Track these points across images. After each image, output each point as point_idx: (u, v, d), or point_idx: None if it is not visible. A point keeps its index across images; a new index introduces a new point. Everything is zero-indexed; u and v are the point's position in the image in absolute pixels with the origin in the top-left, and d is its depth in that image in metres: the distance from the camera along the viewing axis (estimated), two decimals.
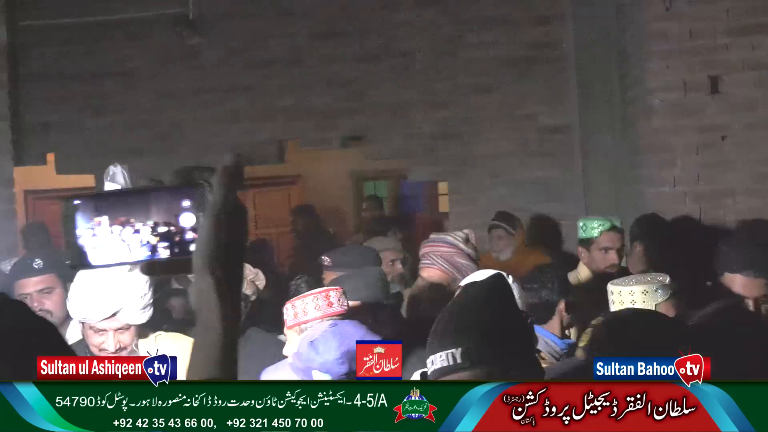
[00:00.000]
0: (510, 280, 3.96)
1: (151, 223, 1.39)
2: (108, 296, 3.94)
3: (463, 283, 3.99)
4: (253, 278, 4.74)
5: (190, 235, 1.39)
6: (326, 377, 3.29)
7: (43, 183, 10.48)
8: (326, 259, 5.46)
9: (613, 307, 4.21)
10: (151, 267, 1.42)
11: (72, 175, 8.96)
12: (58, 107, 8.66)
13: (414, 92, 8.41)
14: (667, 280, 4.22)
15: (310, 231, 9.19)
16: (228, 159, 1.42)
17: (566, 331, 4.88)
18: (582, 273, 5.88)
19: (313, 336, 3.49)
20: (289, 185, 12.14)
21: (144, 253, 1.39)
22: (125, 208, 1.38)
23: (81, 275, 4.00)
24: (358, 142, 8.85)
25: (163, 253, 1.40)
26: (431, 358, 2.45)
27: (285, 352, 4.00)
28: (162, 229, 1.39)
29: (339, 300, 3.97)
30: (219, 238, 1.38)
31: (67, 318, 4.86)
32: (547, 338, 4.99)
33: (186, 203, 1.40)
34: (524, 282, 5.19)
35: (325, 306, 3.90)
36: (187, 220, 1.39)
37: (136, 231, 1.39)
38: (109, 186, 4.46)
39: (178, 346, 4.30)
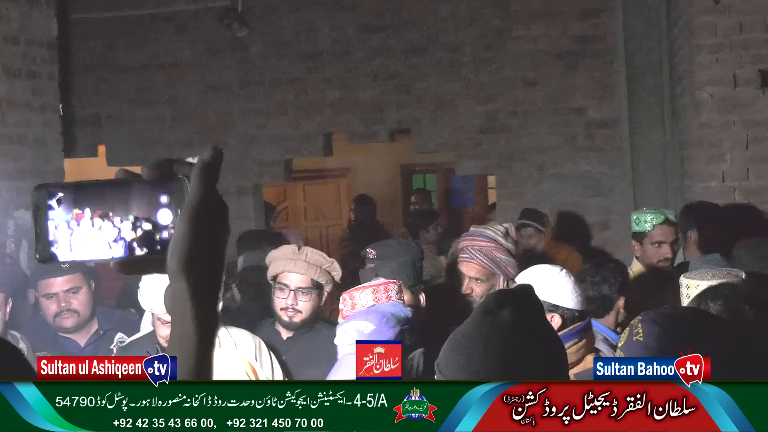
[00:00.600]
0: (563, 273, 3.95)
1: (131, 218, 1.29)
2: None
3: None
4: (329, 267, 4.72)
5: (167, 234, 1.29)
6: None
7: (97, 175, 10.61)
8: (371, 252, 5.42)
9: (686, 302, 4.09)
10: (124, 265, 1.32)
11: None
12: (108, 99, 8.77)
13: (461, 85, 8.38)
14: (743, 275, 4.18)
15: (367, 222, 9.14)
16: (207, 153, 1.29)
17: (617, 328, 4.86)
18: (634, 267, 5.77)
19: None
20: (339, 178, 12.17)
21: (118, 251, 1.30)
22: (103, 202, 1.28)
23: None
24: (404, 136, 8.84)
25: (139, 251, 1.30)
26: None
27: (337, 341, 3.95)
28: (140, 225, 1.29)
29: (397, 293, 3.99)
30: (196, 237, 1.27)
31: (93, 316, 4.99)
32: (605, 333, 4.99)
33: (164, 199, 1.30)
34: (585, 275, 5.17)
35: (383, 298, 3.91)
36: (165, 216, 1.30)
37: (115, 226, 1.29)
38: None
39: (246, 338, 4.44)
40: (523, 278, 3.95)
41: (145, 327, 4.70)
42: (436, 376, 2.44)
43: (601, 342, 4.87)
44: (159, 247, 1.30)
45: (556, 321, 3.76)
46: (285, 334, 4.73)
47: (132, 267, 1.33)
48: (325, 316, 5.18)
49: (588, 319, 3.90)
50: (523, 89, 8.30)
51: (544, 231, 7.06)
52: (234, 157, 8.64)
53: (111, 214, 1.28)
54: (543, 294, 3.72)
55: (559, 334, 3.70)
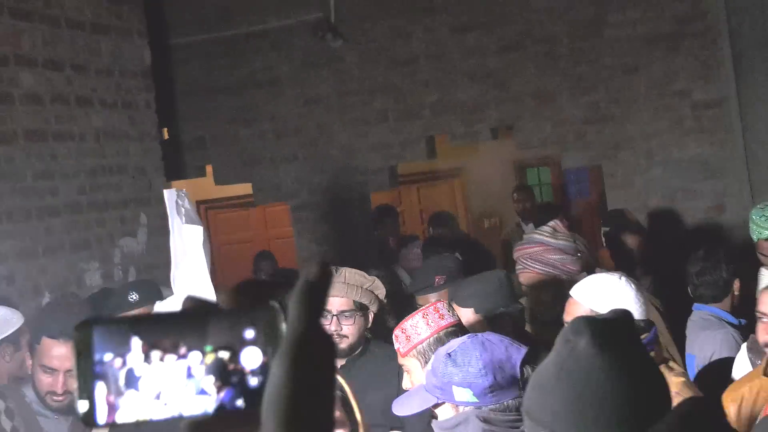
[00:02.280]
0: (624, 281, 3.71)
1: (205, 361, 0.94)
2: None
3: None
4: (371, 286, 4.52)
5: (256, 381, 0.94)
6: (467, 392, 2.99)
7: (205, 194, 10.86)
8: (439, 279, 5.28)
9: None
10: (197, 428, 0.97)
11: (231, 185, 9.24)
12: (211, 121, 8.90)
13: (559, 78, 8.21)
14: None
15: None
16: (312, 270, 0.96)
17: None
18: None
19: (450, 348, 3.19)
20: (452, 178, 12.11)
21: (191, 406, 0.94)
22: (169, 339, 0.94)
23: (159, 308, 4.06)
24: (507, 133, 8.72)
25: (217, 405, 0.95)
26: None
27: (405, 384, 3.79)
28: (219, 370, 0.94)
29: (449, 310, 3.81)
30: (299, 386, 0.92)
31: None
32: (724, 317, 4.94)
33: (250, 333, 0.95)
34: (698, 261, 5.05)
35: (436, 319, 3.71)
36: (252, 357, 0.95)
37: (189, 376, 0.94)
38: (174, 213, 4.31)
39: None
40: (578, 290, 3.80)
41: None
42: (524, 423, 2.23)
43: (717, 327, 4.71)
44: (244, 401, 0.95)
45: None
46: (338, 362, 4.58)
47: (208, 428, 0.97)
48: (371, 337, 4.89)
49: (654, 329, 3.64)
50: (624, 76, 8.07)
51: (637, 232, 6.65)
52: (337, 168, 8.68)
53: (178, 356, 0.94)
54: (603, 307, 3.50)
55: None
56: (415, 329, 3.70)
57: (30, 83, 6.26)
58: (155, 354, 0.93)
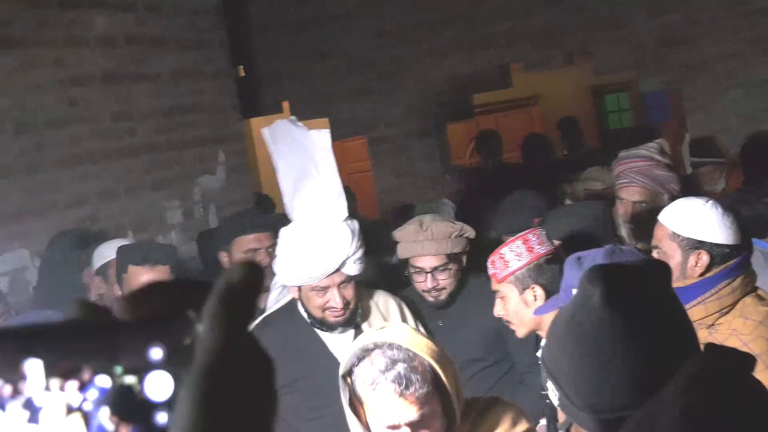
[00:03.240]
0: (709, 204, 3.52)
1: (97, 389, 0.68)
2: (331, 250, 3.86)
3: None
4: (459, 233, 4.38)
5: (162, 417, 0.70)
6: None
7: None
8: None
9: None
10: None
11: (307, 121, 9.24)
12: (286, 56, 8.92)
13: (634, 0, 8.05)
14: None
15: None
16: (236, 271, 0.73)
17: None
18: None
19: (582, 253, 3.22)
20: (530, 106, 12.02)
21: None
22: (61, 359, 0.68)
23: (285, 237, 3.97)
24: (583, 58, 8.61)
25: None
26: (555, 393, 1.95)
27: (497, 312, 3.78)
28: (116, 399, 0.69)
29: (547, 239, 3.80)
30: (215, 424, 0.69)
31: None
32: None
33: (157, 353, 0.69)
34: (738, 196, 4.93)
35: (536, 245, 3.70)
36: (159, 385, 0.70)
37: (73, 408, 0.68)
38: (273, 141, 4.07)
39: (391, 303, 4.25)
40: (664, 213, 3.68)
41: (271, 305, 4.44)
42: (542, 374, 2.11)
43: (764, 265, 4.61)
44: None
45: (703, 259, 3.43)
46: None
47: None
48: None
49: (744, 255, 3.47)
50: None
51: (723, 161, 6.50)
52: (413, 101, 8.67)
53: (64, 384, 0.68)
54: (687, 230, 3.49)
55: (708, 274, 3.42)
56: (514, 255, 3.68)
57: (103, 25, 6.35)
58: (54, 381, 0.68)
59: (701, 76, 7.98)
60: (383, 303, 4.18)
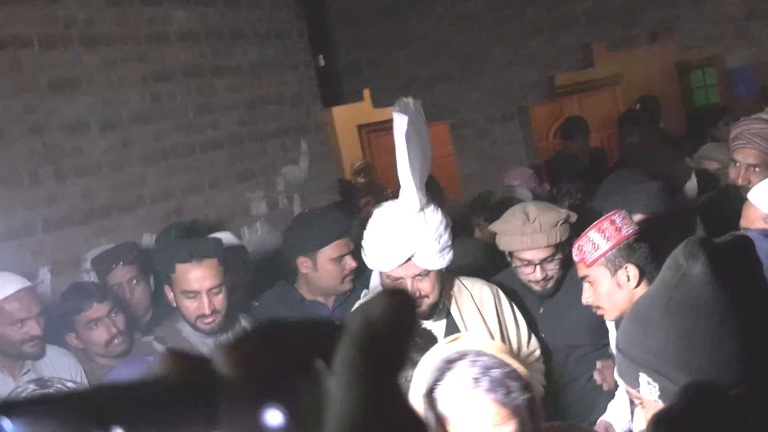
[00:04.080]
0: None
1: None
2: (400, 240, 3.75)
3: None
4: (564, 221, 4.26)
5: None
6: None
7: (368, 117, 10.98)
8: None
9: None
10: None
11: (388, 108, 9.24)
12: (366, 44, 8.91)
13: None
14: None
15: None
16: (379, 304, 0.55)
17: None
18: None
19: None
20: (613, 85, 11.85)
21: None
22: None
23: (375, 221, 3.84)
24: (667, 35, 8.45)
25: None
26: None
27: (585, 299, 3.71)
28: None
29: (630, 218, 3.77)
30: None
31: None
32: None
33: (274, 418, 0.52)
34: None
35: (625, 225, 3.66)
36: None
37: None
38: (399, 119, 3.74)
39: (484, 290, 4.11)
40: (757, 191, 3.62)
41: (375, 285, 4.43)
42: (616, 361, 1.97)
43: None
44: None
45: None
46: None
47: None
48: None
49: None
50: None
51: None
52: (494, 84, 8.60)
53: None
54: None
55: None
56: (602, 237, 3.62)
57: (183, 20, 6.41)
58: None
59: None
60: (478, 291, 4.08)
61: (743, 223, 3.57)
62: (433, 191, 7.88)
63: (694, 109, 12.03)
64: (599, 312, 3.71)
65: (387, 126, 11.62)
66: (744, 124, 4.72)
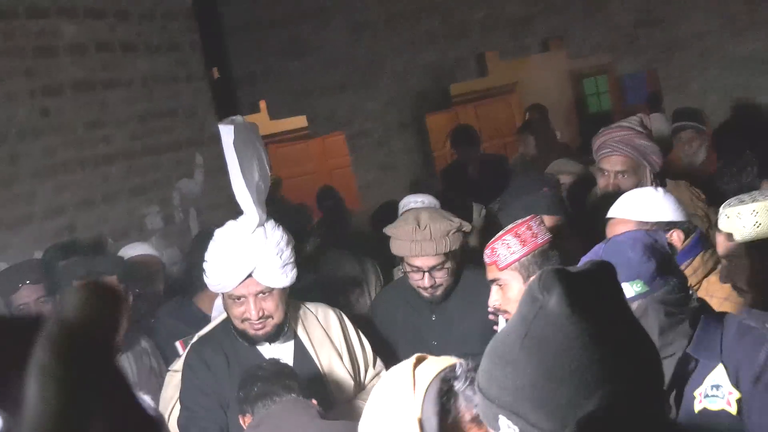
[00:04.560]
0: (661, 190, 3.69)
1: None
2: (239, 256, 3.64)
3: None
4: (456, 230, 4.25)
5: None
6: (638, 284, 2.67)
7: (265, 129, 10.91)
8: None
9: None
10: None
11: (286, 119, 9.23)
12: (261, 55, 8.88)
13: None
14: None
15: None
16: (75, 299, 0.52)
17: None
18: None
19: (595, 254, 2.88)
20: (508, 94, 12.00)
21: None
22: None
23: (214, 241, 3.73)
24: (557, 44, 8.59)
25: None
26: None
27: (492, 302, 3.65)
28: None
29: (539, 225, 3.71)
30: None
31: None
32: None
33: None
34: (722, 169, 4.95)
35: (541, 232, 3.64)
36: None
37: None
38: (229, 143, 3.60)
39: (329, 314, 4.07)
40: (619, 206, 3.71)
41: (218, 314, 4.23)
42: (476, 397, 1.82)
43: None
44: None
45: (676, 237, 3.51)
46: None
47: None
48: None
49: (698, 229, 3.66)
50: None
51: (704, 130, 6.54)
52: (390, 94, 8.64)
53: None
54: (652, 214, 3.56)
55: (683, 249, 3.51)
56: (518, 241, 3.59)
57: (73, 33, 6.29)
58: None
59: (677, 56, 7.98)
60: (323, 314, 4.04)
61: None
62: (336, 202, 7.90)
63: (588, 115, 12.25)
64: (505, 316, 3.69)
65: (285, 137, 11.64)
66: (607, 133, 4.81)
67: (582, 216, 4.98)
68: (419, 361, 2.40)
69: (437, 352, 4.00)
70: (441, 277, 4.25)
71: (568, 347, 1.60)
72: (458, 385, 2.27)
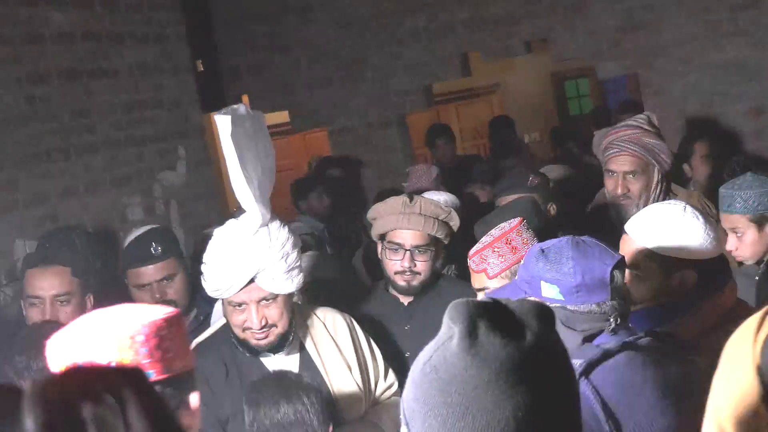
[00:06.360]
0: (690, 212, 3.19)
1: None
2: (240, 259, 3.39)
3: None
4: (446, 217, 4.12)
5: None
6: (554, 289, 2.70)
7: None
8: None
9: None
10: None
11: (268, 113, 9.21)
12: (246, 49, 8.88)
13: None
14: None
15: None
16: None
17: None
18: None
19: (545, 245, 2.85)
20: (490, 94, 12.06)
21: None
22: None
23: (213, 242, 3.50)
24: (541, 46, 8.64)
25: None
26: None
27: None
28: None
29: (527, 230, 3.56)
30: None
31: (192, 305, 4.50)
32: None
33: None
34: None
35: (532, 238, 3.47)
36: None
37: None
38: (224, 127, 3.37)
39: (338, 320, 3.81)
40: (634, 226, 3.29)
41: (218, 319, 4.00)
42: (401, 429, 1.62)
43: None
44: None
45: (689, 280, 3.13)
46: (404, 300, 4.20)
47: None
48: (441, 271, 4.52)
49: (727, 264, 3.28)
50: None
51: None
52: (373, 90, 8.66)
53: None
54: (669, 242, 3.16)
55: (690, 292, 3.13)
56: (509, 248, 3.42)
57: (60, 22, 6.28)
58: None
59: (658, 61, 8.04)
60: (331, 321, 3.78)
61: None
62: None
63: (568, 117, 12.32)
64: None
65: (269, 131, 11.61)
66: (614, 133, 4.70)
67: (580, 216, 4.96)
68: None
69: (411, 363, 3.99)
70: (422, 262, 4.10)
71: (462, 391, 1.44)
72: None
